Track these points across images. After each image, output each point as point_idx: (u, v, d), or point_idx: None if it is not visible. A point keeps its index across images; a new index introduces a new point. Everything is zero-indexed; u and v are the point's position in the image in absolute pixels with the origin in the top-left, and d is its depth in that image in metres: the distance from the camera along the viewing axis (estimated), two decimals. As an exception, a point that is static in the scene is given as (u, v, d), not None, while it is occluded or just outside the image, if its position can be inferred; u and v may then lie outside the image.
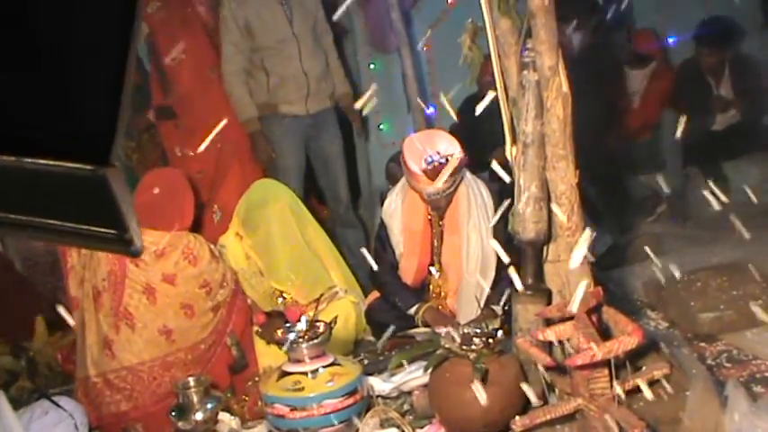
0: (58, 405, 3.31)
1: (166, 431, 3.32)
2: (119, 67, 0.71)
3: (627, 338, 2.60)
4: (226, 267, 3.78)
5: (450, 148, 3.78)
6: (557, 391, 2.91)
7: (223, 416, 3.24)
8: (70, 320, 3.59)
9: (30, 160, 0.75)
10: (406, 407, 3.27)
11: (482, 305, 3.89)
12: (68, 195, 0.77)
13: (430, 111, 5.81)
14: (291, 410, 2.95)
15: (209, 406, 3.18)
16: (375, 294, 4.25)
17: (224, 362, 3.72)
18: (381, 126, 5.57)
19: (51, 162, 0.74)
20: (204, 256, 3.62)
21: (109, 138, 0.72)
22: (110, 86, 0.71)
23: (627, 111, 6.04)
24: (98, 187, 0.75)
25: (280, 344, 3.12)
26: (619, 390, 2.68)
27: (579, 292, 2.68)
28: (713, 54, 6.00)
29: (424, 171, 3.75)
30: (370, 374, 3.38)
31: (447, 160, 3.73)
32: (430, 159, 3.74)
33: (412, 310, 4.04)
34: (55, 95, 0.73)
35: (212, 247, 3.76)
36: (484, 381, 2.81)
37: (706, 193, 5.89)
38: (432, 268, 4.13)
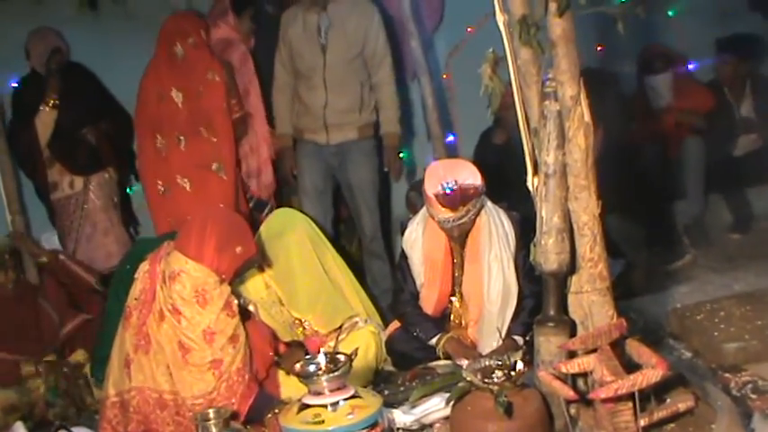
0: (76, 436, 3.31)
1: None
2: None
3: (651, 371, 2.59)
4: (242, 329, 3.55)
5: (470, 178, 3.78)
6: (580, 424, 2.88)
7: (243, 448, 3.22)
8: None
9: None
10: (427, 439, 3.24)
11: (503, 336, 3.86)
12: None
13: (450, 139, 5.76)
14: (312, 443, 2.92)
15: (228, 438, 3.15)
16: (396, 324, 4.22)
17: None
18: (402, 154, 5.49)
19: None
20: (217, 304, 3.44)
21: None
22: None
23: (652, 128, 5.94)
24: None
25: (299, 376, 3.09)
26: (643, 423, 2.65)
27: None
28: (731, 65, 5.95)
29: (436, 195, 3.76)
30: (391, 406, 3.35)
31: (461, 190, 3.74)
32: (446, 185, 3.75)
33: (433, 341, 4.01)
34: None
35: (238, 302, 3.57)
36: (507, 414, 2.78)
37: (727, 220, 5.92)
38: (452, 298, 4.10)
